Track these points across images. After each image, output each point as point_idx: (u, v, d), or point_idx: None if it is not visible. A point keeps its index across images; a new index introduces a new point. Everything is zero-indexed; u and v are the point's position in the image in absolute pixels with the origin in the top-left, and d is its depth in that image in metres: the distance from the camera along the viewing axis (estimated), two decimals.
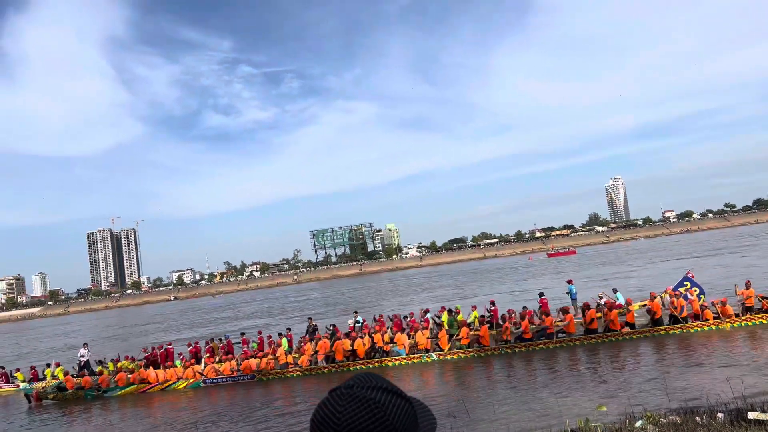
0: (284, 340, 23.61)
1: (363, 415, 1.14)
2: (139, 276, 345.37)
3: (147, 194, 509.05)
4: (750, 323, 19.08)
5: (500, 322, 21.62)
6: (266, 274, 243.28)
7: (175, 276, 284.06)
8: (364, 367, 20.29)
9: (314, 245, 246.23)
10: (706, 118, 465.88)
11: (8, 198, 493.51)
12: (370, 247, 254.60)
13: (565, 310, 20.57)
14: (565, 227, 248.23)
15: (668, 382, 13.33)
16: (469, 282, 65.52)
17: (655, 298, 20.16)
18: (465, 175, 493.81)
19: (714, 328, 19.10)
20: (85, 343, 29.10)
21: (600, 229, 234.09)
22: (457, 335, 20.77)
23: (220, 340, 26.50)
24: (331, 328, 25.60)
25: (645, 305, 21.14)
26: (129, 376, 22.40)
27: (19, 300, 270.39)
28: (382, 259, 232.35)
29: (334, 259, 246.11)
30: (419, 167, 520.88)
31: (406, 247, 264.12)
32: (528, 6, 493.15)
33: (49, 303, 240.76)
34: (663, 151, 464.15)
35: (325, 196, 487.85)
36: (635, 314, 20.83)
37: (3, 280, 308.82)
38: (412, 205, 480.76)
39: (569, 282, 26.88)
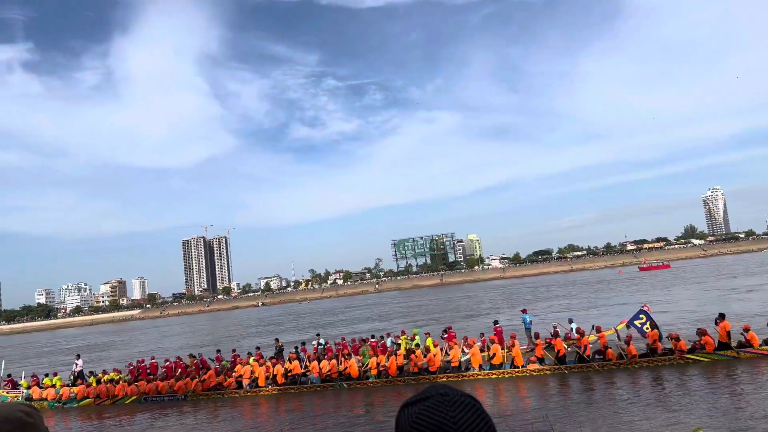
0: (251, 359, 24.66)
1: (475, 419, 1.19)
2: (229, 282, 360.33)
3: (237, 204, 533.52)
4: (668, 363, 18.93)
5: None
6: (349, 282, 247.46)
7: (263, 282, 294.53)
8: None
9: (395, 255, 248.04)
10: None
11: (113, 208, 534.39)
12: (452, 258, 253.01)
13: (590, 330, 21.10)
14: (659, 240, 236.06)
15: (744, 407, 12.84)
16: (579, 294, 63.97)
17: (600, 330, 20.70)
18: (550, 184, 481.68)
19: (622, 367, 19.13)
20: (78, 355, 31.57)
21: (696, 242, 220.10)
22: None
23: (193, 356, 27.41)
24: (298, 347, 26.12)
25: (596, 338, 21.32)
26: (86, 390, 24.98)
27: (121, 302, 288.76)
28: (463, 270, 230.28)
29: (414, 269, 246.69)
30: (502, 177, 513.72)
31: (488, 258, 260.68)
32: (617, 11, 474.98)
33: (147, 306, 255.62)
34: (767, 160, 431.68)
35: (406, 206, 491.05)
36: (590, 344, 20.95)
37: (107, 283, 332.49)
38: (495, 215, 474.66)
39: (524, 311, 27.53)
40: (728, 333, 18.98)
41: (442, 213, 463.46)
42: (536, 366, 20.11)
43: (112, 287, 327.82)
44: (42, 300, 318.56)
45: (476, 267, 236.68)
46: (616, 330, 21.73)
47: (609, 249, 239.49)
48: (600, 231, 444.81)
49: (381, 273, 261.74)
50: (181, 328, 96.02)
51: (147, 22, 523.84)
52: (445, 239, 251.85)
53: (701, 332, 19.33)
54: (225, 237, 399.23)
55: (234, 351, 28.36)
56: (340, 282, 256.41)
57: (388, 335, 27.27)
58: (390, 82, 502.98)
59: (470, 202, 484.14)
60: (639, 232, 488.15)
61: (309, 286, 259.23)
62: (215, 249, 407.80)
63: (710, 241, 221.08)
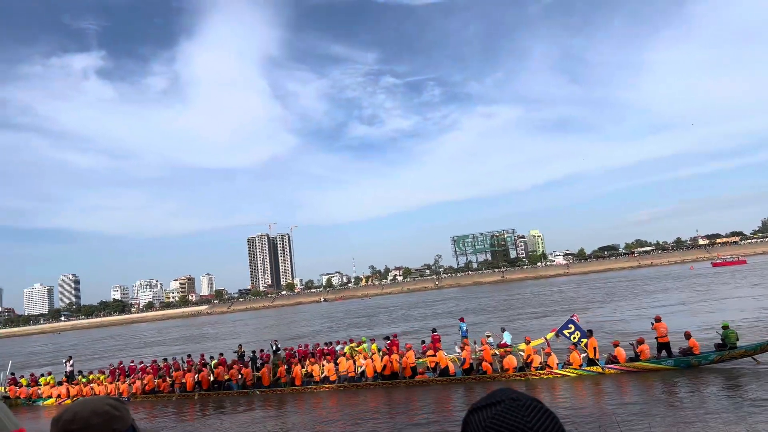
0: (213, 362, 26.17)
1: (549, 423, 1.18)
2: (292, 278, 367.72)
3: (299, 201, 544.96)
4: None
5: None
6: (408, 279, 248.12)
7: (324, 279, 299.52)
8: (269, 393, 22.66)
9: (455, 251, 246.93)
10: None
11: (182, 207, 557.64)
12: (513, 254, 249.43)
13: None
14: (733, 234, 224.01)
15: None
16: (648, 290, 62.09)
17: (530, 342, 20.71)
18: (616, 178, 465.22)
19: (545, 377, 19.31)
20: (69, 357, 33.43)
21: None
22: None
23: (165, 360, 28.61)
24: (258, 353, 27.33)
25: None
26: (51, 390, 27.89)
27: (190, 298, 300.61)
28: (525, 267, 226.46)
29: (475, 266, 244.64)
30: (565, 171, 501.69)
31: (551, 254, 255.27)
32: None
33: (215, 302, 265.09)
34: None
35: (466, 201, 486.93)
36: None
37: (177, 280, 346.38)
38: (558, 210, 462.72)
39: (461, 320, 27.90)
40: (595, 349, 19.42)
41: (502, 208, 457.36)
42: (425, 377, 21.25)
43: (181, 283, 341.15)
44: (117, 296, 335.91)
45: (539, 263, 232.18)
46: (546, 339, 21.30)
47: (679, 244, 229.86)
48: (670, 225, 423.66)
49: (440, 269, 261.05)
50: (262, 321, 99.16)
51: (211, 26, 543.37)
52: (506, 235, 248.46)
53: (614, 344, 19.70)
54: (288, 234, 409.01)
55: (202, 355, 29.93)
56: (399, 278, 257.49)
57: (338, 342, 28.02)
58: (448, 78, 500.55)
59: (532, 197, 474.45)
60: (712, 226, 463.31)
61: (369, 283, 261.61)
62: (278, 246, 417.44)
63: None
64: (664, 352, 18.99)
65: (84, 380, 28.24)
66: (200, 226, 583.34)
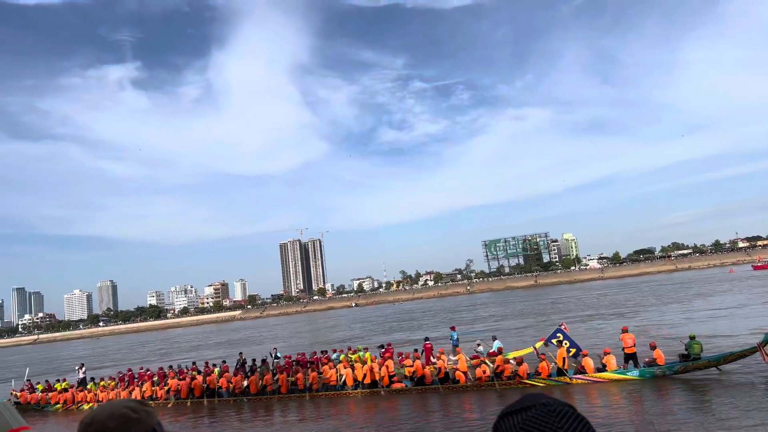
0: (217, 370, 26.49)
1: (582, 430, 1.17)
2: (324, 283, 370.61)
3: (330, 207, 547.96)
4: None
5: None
6: (439, 284, 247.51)
7: (355, 284, 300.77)
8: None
9: (486, 255, 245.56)
10: None
11: (216, 213, 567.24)
12: (546, 258, 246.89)
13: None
14: None
15: None
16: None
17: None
18: (651, 180, 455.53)
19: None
20: (82, 364, 34.67)
21: None
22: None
23: (171, 367, 29.73)
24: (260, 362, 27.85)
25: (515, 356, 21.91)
26: (59, 396, 28.97)
27: (224, 303, 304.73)
28: (559, 271, 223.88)
29: (507, 270, 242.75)
30: (598, 173, 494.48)
31: (585, 258, 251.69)
32: None
33: (248, 307, 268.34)
34: None
35: (497, 205, 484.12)
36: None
37: (211, 285, 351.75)
38: (592, 213, 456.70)
39: (452, 329, 28.25)
40: (564, 359, 19.85)
41: (534, 212, 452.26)
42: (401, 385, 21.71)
43: (215, 289, 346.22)
44: (153, 301, 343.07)
45: (572, 267, 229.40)
46: (535, 348, 21.59)
47: (718, 247, 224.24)
48: (708, 228, 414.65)
49: (472, 274, 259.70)
50: (295, 326, 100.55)
51: (242, 35, 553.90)
52: (538, 239, 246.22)
53: (584, 354, 20.08)
54: (319, 240, 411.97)
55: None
56: (430, 283, 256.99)
57: (335, 351, 28.48)
58: (477, 81, 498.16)
59: (564, 200, 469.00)
60: (752, 228, 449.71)
61: (400, 287, 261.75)
62: (310, 251, 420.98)
63: None
64: (630, 363, 19.50)
65: (93, 387, 29.56)
66: (233, 233, 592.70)
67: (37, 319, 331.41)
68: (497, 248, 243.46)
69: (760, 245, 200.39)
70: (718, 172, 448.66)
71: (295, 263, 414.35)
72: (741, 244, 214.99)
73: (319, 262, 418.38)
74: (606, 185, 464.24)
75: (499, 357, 20.85)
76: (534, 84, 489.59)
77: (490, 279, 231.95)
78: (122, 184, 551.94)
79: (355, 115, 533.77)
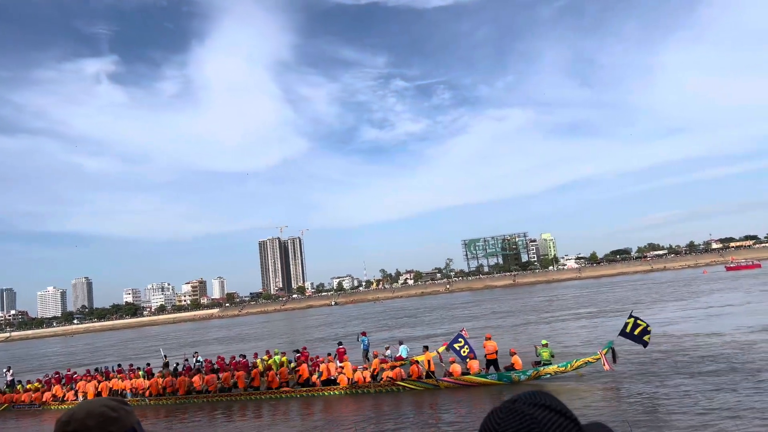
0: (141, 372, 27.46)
1: (519, 429, 1.15)
2: (303, 281, 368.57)
3: (310, 205, 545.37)
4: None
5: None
6: (419, 282, 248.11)
7: (335, 282, 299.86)
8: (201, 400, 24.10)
9: (466, 255, 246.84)
10: None
11: (194, 210, 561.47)
12: (524, 258, 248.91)
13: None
14: (747, 238, 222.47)
15: None
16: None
17: (428, 351, 21.87)
18: (628, 182, 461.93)
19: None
20: (8, 367, 35.18)
21: None
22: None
23: (105, 367, 30.98)
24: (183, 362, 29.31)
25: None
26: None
27: (202, 301, 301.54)
28: (537, 270, 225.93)
29: (486, 269, 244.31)
30: (576, 174, 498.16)
31: (563, 258, 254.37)
32: None
33: (226, 305, 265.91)
34: None
35: (477, 205, 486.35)
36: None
37: (188, 283, 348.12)
38: (570, 214, 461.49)
39: (363, 334, 29.75)
40: (429, 362, 21.15)
41: (514, 212, 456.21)
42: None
43: (193, 287, 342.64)
44: (129, 299, 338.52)
45: (551, 267, 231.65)
46: (438, 352, 23.17)
47: (692, 248, 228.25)
48: (683, 229, 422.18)
49: (452, 273, 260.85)
50: (281, 325, 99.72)
51: (222, 31, 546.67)
52: (517, 239, 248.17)
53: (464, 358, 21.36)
54: (299, 238, 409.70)
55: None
56: (410, 282, 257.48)
57: (255, 356, 29.23)
58: (458, 81, 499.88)
59: (543, 201, 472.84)
60: (725, 230, 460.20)
61: (380, 286, 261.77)
62: (290, 249, 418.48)
63: None
64: (492, 368, 20.79)
65: (21, 389, 30.09)
66: (212, 230, 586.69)
67: (9, 316, 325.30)
68: (476, 248, 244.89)
69: (732, 246, 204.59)
70: (694, 174, 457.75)
71: (275, 261, 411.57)
72: (714, 246, 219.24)
73: (299, 261, 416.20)
74: (584, 186, 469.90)
75: (376, 360, 22.41)
76: (515, 85, 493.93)
77: (470, 278, 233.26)
78: (99, 180, 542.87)
79: (336, 113, 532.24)
